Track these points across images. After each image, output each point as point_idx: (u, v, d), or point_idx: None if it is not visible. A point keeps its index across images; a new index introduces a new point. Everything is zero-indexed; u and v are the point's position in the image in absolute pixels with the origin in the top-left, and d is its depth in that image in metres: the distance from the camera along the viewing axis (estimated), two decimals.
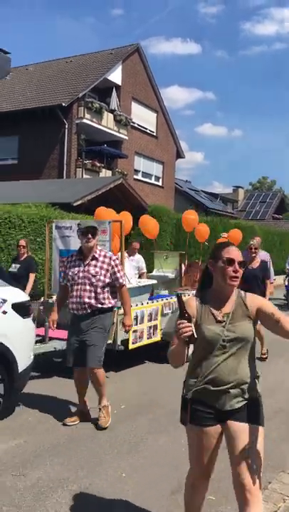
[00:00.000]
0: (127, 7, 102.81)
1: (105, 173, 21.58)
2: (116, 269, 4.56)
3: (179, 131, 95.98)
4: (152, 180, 25.79)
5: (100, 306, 4.47)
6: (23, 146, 20.95)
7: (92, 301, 4.44)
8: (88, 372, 4.49)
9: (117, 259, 4.70)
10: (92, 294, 4.44)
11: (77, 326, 4.49)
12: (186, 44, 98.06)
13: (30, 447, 4.01)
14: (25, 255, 7.82)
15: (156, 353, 6.68)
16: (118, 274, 4.56)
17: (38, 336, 5.95)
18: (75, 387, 4.67)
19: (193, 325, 2.21)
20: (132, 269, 8.06)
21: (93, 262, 4.52)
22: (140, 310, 6.32)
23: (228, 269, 2.35)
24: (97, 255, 4.55)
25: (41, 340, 6.00)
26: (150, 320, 6.49)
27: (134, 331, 6.09)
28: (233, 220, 23.54)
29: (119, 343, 5.99)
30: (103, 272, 4.49)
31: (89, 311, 4.45)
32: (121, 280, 4.60)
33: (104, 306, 4.50)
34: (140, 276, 8.23)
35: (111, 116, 21.70)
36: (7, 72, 25.88)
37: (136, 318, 6.11)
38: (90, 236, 4.46)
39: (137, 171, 24.45)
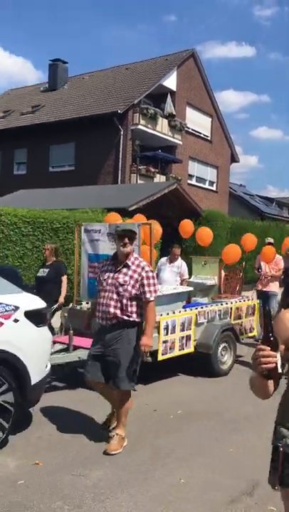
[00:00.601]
0: (180, 13, 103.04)
1: (159, 178, 21.68)
2: (146, 282, 4.06)
3: (234, 135, 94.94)
4: (206, 185, 25.63)
5: (126, 318, 4.04)
6: (79, 153, 21.44)
7: (118, 312, 4.03)
8: (116, 393, 4.16)
9: (151, 271, 4.18)
10: (119, 304, 4.04)
11: (101, 338, 4.12)
12: (241, 47, 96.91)
13: (90, 447, 4.09)
14: (53, 260, 7.37)
15: (190, 365, 6.42)
16: (146, 288, 4.05)
17: (61, 343, 5.79)
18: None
19: (280, 355, 1.68)
20: (172, 275, 7.91)
21: (124, 270, 4.11)
22: (171, 319, 5.88)
23: None
24: (130, 263, 4.12)
25: (66, 349, 5.69)
26: (183, 330, 6.02)
27: (165, 342, 5.75)
28: None
29: (148, 354, 5.36)
30: (132, 282, 4.05)
31: (114, 322, 4.05)
32: (148, 295, 4.05)
33: (131, 319, 4.06)
34: (181, 283, 7.92)
35: (165, 121, 21.80)
36: (65, 81, 26.60)
37: (166, 328, 5.76)
38: (126, 241, 4.09)
39: (191, 176, 24.39)
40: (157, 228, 7.34)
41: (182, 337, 6.03)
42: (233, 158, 28.08)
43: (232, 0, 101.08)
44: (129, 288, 4.03)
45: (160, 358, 5.68)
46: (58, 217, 10.43)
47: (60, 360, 5.46)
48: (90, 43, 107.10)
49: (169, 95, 22.25)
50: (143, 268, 4.10)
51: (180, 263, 8.20)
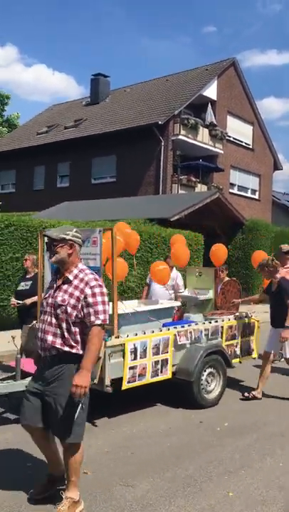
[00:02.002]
0: (220, 23, 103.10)
1: (201, 187, 21.64)
2: (90, 300, 3.14)
3: (276, 142, 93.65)
4: (248, 194, 25.36)
5: (67, 349, 3.16)
6: (120, 165, 21.72)
7: (58, 341, 3.16)
8: (62, 444, 3.25)
9: (99, 285, 3.21)
10: (58, 331, 3.17)
11: (42, 371, 3.27)
12: (282, 55, 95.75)
13: (137, 459, 4.09)
14: (35, 271, 6.19)
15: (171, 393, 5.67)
16: (91, 309, 3.13)
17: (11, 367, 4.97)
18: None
19: None
20: (166, 289, 7.04)
21: (64, 287, 3.24)
22: (141, 341, 4.99)
23: None
24: (71, 277, 3.24)
25: (13, 376, 4.79)
26: (157, 353, 5.15)
27: (132, 368, 4.89)
28: None
29: (108, 382, 4.64)
30: (72, 302, 3.16)
31: (53, 353, 3.18)
32: (93, 318, 3.12)
33: (73, 351, 3.17)
34: (176, 298, 7.17)
35: (206, 131, 21.79)
36: (106, 94, 27.09)
37: (134, 352, 4.89)
38: (53, 249, 3.25)
39: (232, 185, 24.21)
40: (135, 238, 6.61)
41: (156, 361, 5.16)
42: (276, 166, 27.69)
43: (272, 8, 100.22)
44: (69, 309, 3.15)
45: (125, 386, 4.84)
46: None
47: (3, 389, 4.57)
48: (131, 56, 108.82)
49: (209, 105, 22.26)
50: (87, 283, 3.19)
51: (175, 275, 7.40)
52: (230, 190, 23.70)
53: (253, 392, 5.81)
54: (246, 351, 6.37)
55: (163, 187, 20.51)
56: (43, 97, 76.80)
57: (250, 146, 25.39)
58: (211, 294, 6.79)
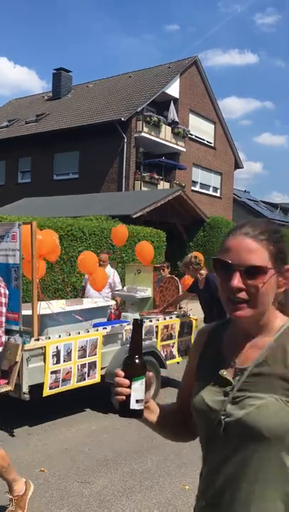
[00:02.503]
0: (183, 22, 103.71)
1: (163, 185, 21.75)
2: None
3: (238, 141, 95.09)
4: (210, 191, 25.68)
5: None
6: (83, 161, 21.56)
7: None
8: None
9: None
10: None
11: None
12: (244, 55, 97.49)
13: (95, 455, 4.09)
14: None
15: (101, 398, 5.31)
16: None
17: None
18: None
19: (142, 385, 1.16)
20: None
21: None
22: (64, 343, 4.61)
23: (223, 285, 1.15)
24: None
25: None
26: (84, 356, 4.81)
27: (55, 372, 4.52)
28: None
29: (25, 389, 4.29)
30: None
31: None
32: None
33: None
34: (113, 297, 6.88)
35: (169, 128, 21.91)
36: (68, 90, 26.81)
37: (56, 355, 4.54)
38: None
39: (194, 183, 24.45)
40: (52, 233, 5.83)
41: (83, 365, 4.82)
42: (237, 165, 28.14)
43: (233, 9, 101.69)
44: None
45: (46, 393, 4.46)
46: (63, 225, 10.48)
47: None
48: (94, 52, 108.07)
49: (172, 103, 22.38)
50: None
51: (111, 272, 7.07)
52: (193, 188, 23.93)
53: None
54: (184, 351, 6.05)
55: (126, 184, 20.51)
56: (3, 91, 75.35)
57: (212, 145, 25.70)
58: (149, 292, 6.51)
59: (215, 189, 26.14)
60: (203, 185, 25.11)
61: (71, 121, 22.55)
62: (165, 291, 6.53)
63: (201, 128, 24.73)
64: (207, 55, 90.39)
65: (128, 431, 4.66)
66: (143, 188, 20.48)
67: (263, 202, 37.56)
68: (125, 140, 20.36)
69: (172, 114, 22.18)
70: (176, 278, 6.80)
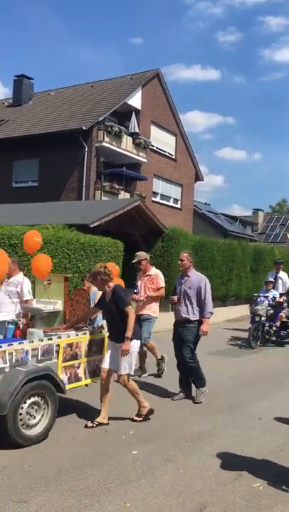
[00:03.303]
0: (147, 36, 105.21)
1: (124, 195, 21.73)
2: None
3: (199, 154, 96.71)
4: (171, 203, 25.86)
5: None
6: (43, 169, 21.29)
7: None
8: None
9: None
10: None
11: None
12: (206, 71, 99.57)
13: (34, 473, 3.91)
14: None
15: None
16: None
17: None
18: None
19: None
20: (7, 296, 5.98)
21: None
22: None
23: None
24: None
25: None
26: None
27: None
28: (252, 243, 23.36)
29: None
30: None
31: None
32: None
33: None
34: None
35: (130, 139, 21.97)
36: (30, 97, 26.50)
37: None
38: None
39: (155, 193, 24.57)
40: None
41: None
42: (198, 177, 28.50)
43: (196, 25, 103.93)
44: None
45: None
46: (17, 233, 10.22)
47: None
48: (57, 60, 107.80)
49: (133, 113, 22.47)
50: None
51: (20, 279, 6.10)
52: (153, 199, 24.03)
53: (98, 420, 5.04)
54: (92, 372, 5.31)
55: (86, 193, 20.36)
56: None
57: (173, 157, 25.94)
58: (59, 306, 5.80)
59: (175, 200, 26.36)
60: (163, 197, 25.27)
61: (31, 128, 22.28)
62: (75, 304, 5.82)
63: (162, 140, 24.94)
64: (171, 69, 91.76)
65: (72, 446, 4.49)
66: (103, 198, 20.40)
67: (223, 214, 38.14)
68: (86, 149, 20.27)
69: (133, 124, 22.26)
70: (87, 290, 6.20)
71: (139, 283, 7.46)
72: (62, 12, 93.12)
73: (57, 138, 20.48)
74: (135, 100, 22.72)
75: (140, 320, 6.96)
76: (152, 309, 7.26)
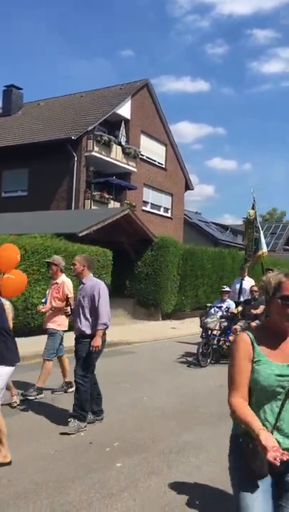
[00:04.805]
0: (137, 48, 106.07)
1: (114, 204, 21.69)
2: None
3: (190, 164, 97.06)
4: (161, 212, 25.85)
5: None
6: (32, 179, 21.22)
7: None
8: None
9: None
10: None
11: None
12: (195, 82, 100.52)
13: (13, 487, 3.79)
14: None
15: None
16: None
17: None
18: None
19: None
20: None
21: None
22: None
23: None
24: None
25: None
26: None
27: None
28: (242, 251, 23.35)
29: None
30: None
31: None
32: None
33: None
34: None
35: (120, 148, 21.97)
36: (19, 107, 26.49)
37: None
38: None
39: (145, 203, 24.55)
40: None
41: None
42: (188, 186, 28.55)
43: (185, 38, 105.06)
44: None
45: None
46: (2, 243, 10.10)
47: None
48: (46, 71, 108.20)
49: (123, 123, 22.51)
50: None
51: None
52: (144, 208, 24.02)
53: None
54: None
55: (76, 202, 20.29)
56: None
57: (163, 166, 25.99)
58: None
59: (166, 209, 26.36)
60: (154, 206, 25.26)
61: (21, 138, 22.24)
62: None
63: (152, 149, 24.99)
64: (161, 80, 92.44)
65: (54, 459, 4.38)
66: (93, 207, 20.34)
67: (214, 223, 38.19)
68: (76, 159, 20.24)
69: (123, 134, 22.29)
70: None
71: (47, 291, 6.69)
72: (52, 24, 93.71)
73: (46, 147, 20.44)
74: (124, 110, 22.78)
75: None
76: (57, 322, 6.39)
